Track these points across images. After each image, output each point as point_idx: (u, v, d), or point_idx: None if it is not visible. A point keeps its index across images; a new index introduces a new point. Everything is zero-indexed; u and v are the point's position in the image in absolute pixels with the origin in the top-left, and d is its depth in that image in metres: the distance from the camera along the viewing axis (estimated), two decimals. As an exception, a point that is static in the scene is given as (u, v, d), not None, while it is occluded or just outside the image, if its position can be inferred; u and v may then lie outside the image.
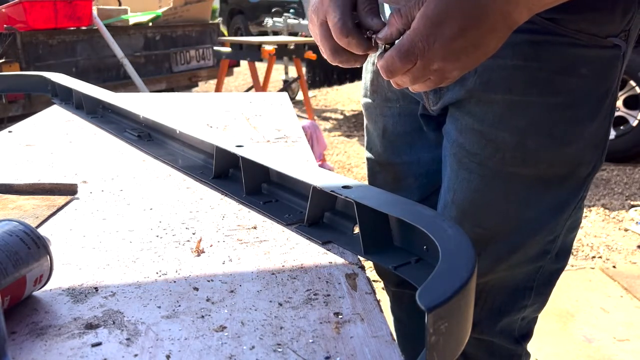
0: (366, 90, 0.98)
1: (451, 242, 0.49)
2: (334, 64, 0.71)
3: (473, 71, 0.73)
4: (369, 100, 0.97)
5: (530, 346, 0.97)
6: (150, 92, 3.80)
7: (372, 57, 0.95)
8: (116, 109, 1.19)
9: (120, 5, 4.91)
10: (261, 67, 4.80)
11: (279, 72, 6.55)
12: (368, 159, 1.03)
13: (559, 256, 0.85)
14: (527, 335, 0.93)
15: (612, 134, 3.69)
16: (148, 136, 1.05)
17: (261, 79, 4.70)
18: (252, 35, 8.58)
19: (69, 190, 0.79)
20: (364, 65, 0.98)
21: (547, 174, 0.77)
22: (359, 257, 0.61)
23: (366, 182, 0.67)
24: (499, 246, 0.82)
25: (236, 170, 0.83)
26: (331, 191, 0.64)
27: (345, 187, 0.64)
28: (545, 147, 0.75)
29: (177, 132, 0.96)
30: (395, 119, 0.93)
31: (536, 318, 0.94)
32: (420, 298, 0.40)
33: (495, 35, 0.55)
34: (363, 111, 1.02)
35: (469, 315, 0.44)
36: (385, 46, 0.62)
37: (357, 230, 0.64)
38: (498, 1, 0.53)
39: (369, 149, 1.02)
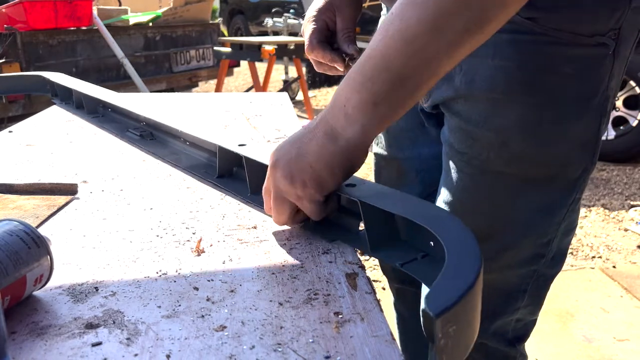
0: None
1: (457, 242, 0.49)
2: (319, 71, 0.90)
3: (458, 69, 0.74)
4: None
5: (530, 346, 0.97)
6: (150, 92, 3.80)
7: None
8: (117, 109, 1.19)
9: (120, 5, 4.92)
10: (261, 67, 4.80)
11: (279, 72, 6.55)
12: (375, 154, 1.04)
13: (555, 260, 0.85)
14: (522, 337, 0.93)
15: (612, 134, 3.68)
16: (150, 135, 1.05)
17: (261, 79, 4.70)
18: (252, 35, 8.58)
19: (69, 190, 0.79)
20: None
21: (532, 174, 0.76)
22: (359, 256, 0.61)
23: (367, 179, 0.67)
24: (487, 246, 0.81)
25: (240, 169, 0.83)
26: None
27: (349, 185, 0.64)
28: (529, 146, 0.74)
29: (179, 132, 0.96)
30: None
31: (534, 321, 0.93)
32: (427, 304, 0.40)
33: (318, 154, 0.60)
34: None
35: (476, 316, 0.45)
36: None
37: (362, 226, 0.64)
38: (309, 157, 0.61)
39: (376, 143, 1.03)
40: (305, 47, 0.85)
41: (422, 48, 0.55)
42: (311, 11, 0.87)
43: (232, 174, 0.84)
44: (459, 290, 0.42)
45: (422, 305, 0.94)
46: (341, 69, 0.83)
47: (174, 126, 0.96)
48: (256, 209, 0.74)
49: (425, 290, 0.91)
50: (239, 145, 0.80)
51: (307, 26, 0.85)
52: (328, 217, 0.68)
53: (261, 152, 0.77)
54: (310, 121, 0.64)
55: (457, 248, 0.48)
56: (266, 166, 0.75)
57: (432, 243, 0.57)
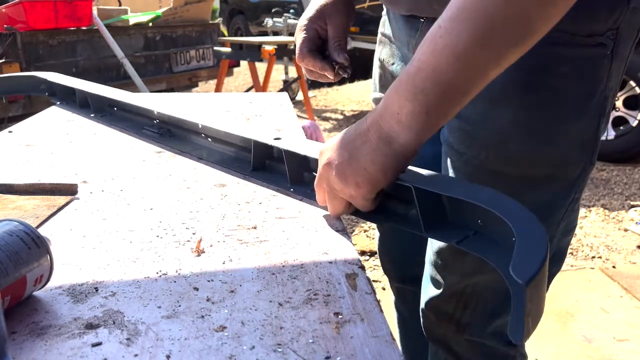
0: (375, 86, 1.02)
1: (518, 216, 0.53)
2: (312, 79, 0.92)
3: None
4: (378, 95, 1.01)
5: (530, 346, 0.97)
6: (151, 92, 3.80)
7: (379, 54, 0.99)
8: (128, 107, 1.17)
9: (120, 5, 4.91)
10: (261, 67, 4.80)
11: (279, 72, 6.55)
12: None
13: (554, 260, 0.85)
14: None
15: (612, 134, 3.68)
16: (169, 132, 1.04)
17: (261, 79, 4.70)
18: (252, 35, 8.57)
19: (69, 190, 0.79)
20: (374, 62, 1.03)
21: (531, 173, 0.77)
22: (358, 257, 0.61)
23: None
24: None
25: (272, 162, 0.85)
26: None
27: None
28: (527, 146, 0.75)
29: (200, 126, 0.97)
30: None
31: None
32: (516, 274, 0.45)
33: (372, 157, 0.63)
34: (373, 106, 1.05)
35: (546, 283, 0.49)
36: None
37: (411, 210, 0.67)
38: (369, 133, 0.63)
39: None
40: (296, 56, 0.88)
41: (472, 61, 0.57)
42: (303, 20, 0.89)
43: (265, 166, 0.86)
44: (539, 258, 0.47)
45: (422, 305, 0.94)
46: (331, 77, 0.86)
47: (200, 122, 0.96)
48: (297, 198, 0.76)
49: (425, 289, 0.91)
50: (275, 139, 0.82)
51: (299, 35, 0.88)
52: None
53: (298, 145, 0.79)
54: (356, 125, 0.67)
55: (521, 221, 0.52)
56: (305, 158, 0.79)
57: (480, 221, 0.59)
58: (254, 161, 0.85)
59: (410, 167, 0.67)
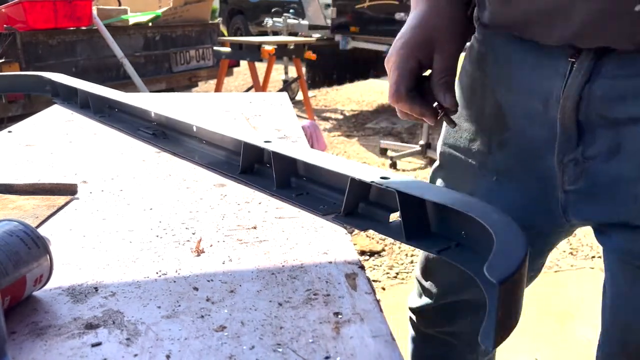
0: (456, 139, 0.78)
1: (501, 225, 0.52)
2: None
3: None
4: (460, 156, 0.78)
5: (530, 346, 0.96)
6: (150, 92, 3.80)
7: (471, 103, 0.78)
8: (126, 108, 1.18)
9: (120, 5, 4.91)
10: (261, 67, 4.79)
11: (278, 72, 6.55)
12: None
13: None
14: None
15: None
16: (163, 134, 1.05)
17: (261, 79, 4.70)
18: (251, 35, 8.58)
19: (69, 190, 0.79)
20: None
21: None
22: (358, 257, 0.61)
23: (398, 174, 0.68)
24: None
25: (261, 166, 0.85)
26: (371, 182, 0.65)
27: (383, 177, 0.66)
28: None
29: (194, 128, 0.97)
30: (490, 189, 0.75)
31: None
32: (490, 273, 0.44)
33: None
34: (439, 160, 0.83)
35: (523, 290, 0.48)
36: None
37: (393, 219, 0.66)
38: None
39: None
40: (390, 94, 0.68)
41: None
42: (399, 44, 0.68)
43: (253, 170, 0.85)
44: (516, 262, 0.46)
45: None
46: (431, 124, 0.69)
47: (195, 123, 0.96)
48: (284, 201, 0.76)
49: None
50: (265, 142, 0.82)
51: (397, 66, 0.67)
52: (357, 210, 0.70)
53: (288, 148, 0.79)
54: None
55: (503, 229, 0.52)
56: (294, 162, 0.78)
57: (464, 233, 0.58)
58: (243, 163, 0.84)
59: (400, 175, 0.67)
